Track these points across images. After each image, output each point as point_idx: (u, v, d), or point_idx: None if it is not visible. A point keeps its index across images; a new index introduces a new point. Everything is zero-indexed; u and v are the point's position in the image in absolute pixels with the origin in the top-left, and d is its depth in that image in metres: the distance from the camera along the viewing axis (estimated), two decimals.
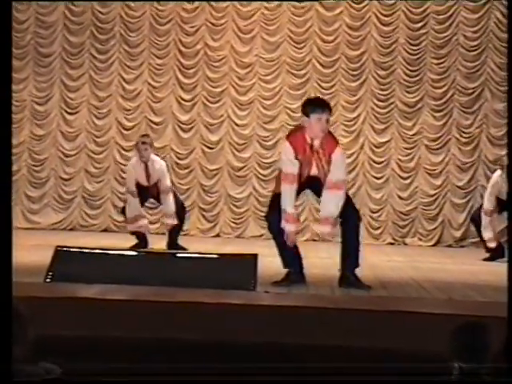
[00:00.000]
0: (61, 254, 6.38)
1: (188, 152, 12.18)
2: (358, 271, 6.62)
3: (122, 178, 11.96)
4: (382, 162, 12.01)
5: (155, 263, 6.43)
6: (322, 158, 6.46)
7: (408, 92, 11.96)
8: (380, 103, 12.01)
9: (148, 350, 4.78)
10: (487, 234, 9.46)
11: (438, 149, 11.93)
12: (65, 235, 9.55)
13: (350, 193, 12.00)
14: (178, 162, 12.15)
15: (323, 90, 12.03)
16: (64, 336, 4.76)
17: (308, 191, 7.14)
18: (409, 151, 11.99)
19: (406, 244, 11.84)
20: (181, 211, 9.49)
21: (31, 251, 8.60)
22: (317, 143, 6.44)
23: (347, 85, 12.01)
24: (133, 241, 9.33)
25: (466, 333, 3.28)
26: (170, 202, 9.31)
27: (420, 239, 11.89)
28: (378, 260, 9.32)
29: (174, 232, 9.37)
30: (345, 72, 12.04)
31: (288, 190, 6.45)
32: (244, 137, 12.13)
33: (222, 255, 6.86)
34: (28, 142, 12.27)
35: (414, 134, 11.98)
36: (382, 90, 11.99)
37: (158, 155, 9.95)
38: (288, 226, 6.45)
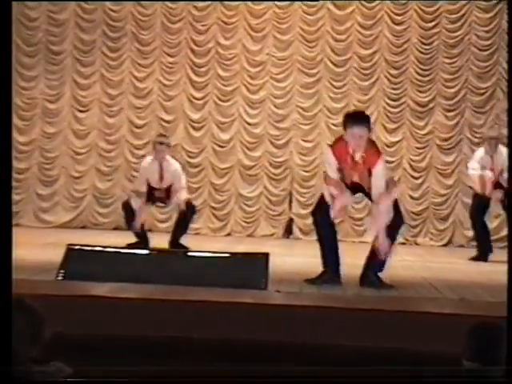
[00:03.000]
0: (72, 252, 6.38)
1: (199, 150, 12.18)
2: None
3: (133, 176, 11.97)
4: (394, 161, 11.98)
5: (167, 262, 6.42)
6: (363, 171, 6.47)
7: (420, 91, 11.92)
8: (392, 102, 11.98)
9: (159, 348, 4.78)
10: None
11: (449, 149, 11.90)
12: (76, 233, 9.56)
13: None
14: (189, 160, 12.14)
15: (335, 89, 12.01)
16: (75, 334, 4.75)
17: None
18: (420, 151, 11.96)
19: (417, 244, 11.81)
20: (190, 211, 9.43)
21: (42, 249, 8.61)
22: (358, 155, 6.44)
23: (359, 84, 11.98)
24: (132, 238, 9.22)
25: (480, 333, 3.26)
26: (183, 199, 9.22)
27: (431, 239, 11.86)
28: (390, 259, 9.29)
29: (178, 231, 9.26)
30: (356, 71, 12.01)
31: (330, 188, 6.53)
32: (255, 136, 12.12)
33: (233, 254, 6.85)
34: (39, 140, 12.28)
35: (425, 134, 11.95)
36: (394, 89, 11.96)
37: (174, 158, 9.84)
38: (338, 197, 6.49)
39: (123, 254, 6.65)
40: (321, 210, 6.58)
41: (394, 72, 11.95)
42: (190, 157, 12.15)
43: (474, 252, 9.78)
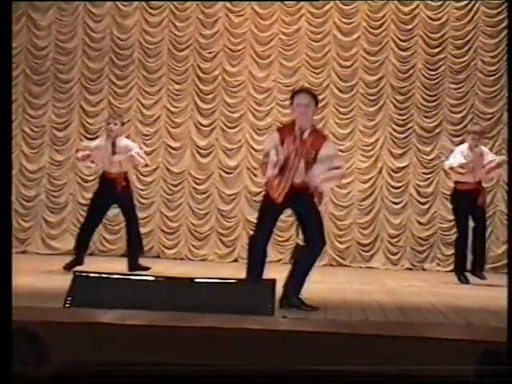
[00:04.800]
0: (79, 279, 6.39)
1: (206, 177, 12.22)
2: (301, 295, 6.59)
3: (141, 203, 12.02)
4: (401, 187, 12.00)
5: (173, 288, 6.43)
6: (310, 151, 6.45)
7: (426, 117, 11.97)
8: (398, 128, 12.02)
9: (166, 375, 4.78)
10: None
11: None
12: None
13: (368, 218, 12.04)
14: (196, 187, 12.18)
15: (341, 115, 12.06)
16: (82, 361, 4.76)
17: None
18: (427, 176, 11.98)
19: (424, 269, 11.80)
20: (137, 236, 9.48)
21: (50, 276, 8.63)
22: (306, 135, 6.47)
23: (365, 110, 12.03)
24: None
25: (490, 360, 3.25)
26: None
27: (438, 264, 11.85)
28: (397, 285, 9.30)
29: (134, 252, 9.33)
30: (363, 97, 12.06)
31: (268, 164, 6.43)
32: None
33: (239, 280, 6.86)
34: (47, 168, 12.34)
35: (432, 159, 11.97)
36: (400, 114, 12.00)
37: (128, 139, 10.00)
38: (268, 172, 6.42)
39: (130, 281, 6.67)
40: (258, 235, 6.61)
41: (399, 98, 12.00)
42: (196, 183, 12.19)
43: (486, 277, 9.76)
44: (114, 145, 9.32)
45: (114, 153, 9.28)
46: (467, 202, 9.64)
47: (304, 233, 6.67)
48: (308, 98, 6.48)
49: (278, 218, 6.69)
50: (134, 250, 9.37)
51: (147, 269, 9.00)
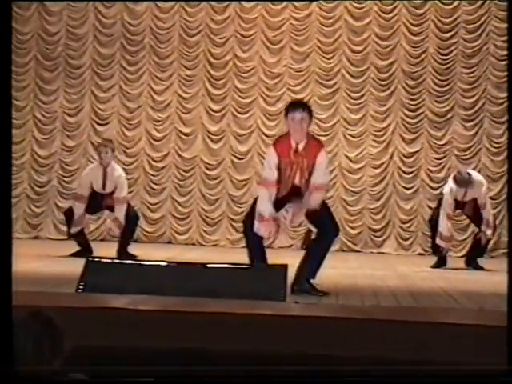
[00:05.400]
0: (92, 264, 6.41)
1: (217, 163, 12.22)
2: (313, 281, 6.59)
3: (153, 189, 12.04)
4: (412, 172, 11.98)
5: (185, 274, 6.44)
6: (305, 163, 6.45)
7: (438, 102, 11.93)
8: (410, 113, 11.98)
9: (178, 360, 4.80)
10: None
11: (468, 159, 11.88)
12: (95, 245, 9.61)
13: (380, 203, 12.02)
14: (207, 172, 12.19)
15: (352, 100, 12.03)
16: (95, 346, 4.78)
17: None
18: (439, 161, 11.95)
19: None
20: (133, 221, 9.50)
21: (62, 262, 8.67)
22: (301, 147, 6.45)
23: (376, 95, 12.00)
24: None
25: None
26: (122, 213, 9.30)
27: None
28: (409, 270, 9.29)
29: (124, 240, 9.36)
30: (374, 82, 12.03)
31: (265, 195, 6.42)
32: None
33: (251, 266, 6.86)
34: (59, 153, 12.37)
35: (444, 144, 11.94)
36: (412, 99, 11.96)
37: (117, 164, 9.99)
38: (262, 229, 6.42)
39: (142, 266, 6.68)
40: (249, 216, 6.59)
41: (411, 82, 11.96)
42: (208, 169, 12.20)
43: (498, 262, 9.76)
44: (105, 173, 9.33)
45: (104, 181, 9.31)
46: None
47: (314, 224, 6.65)
48: (303, 113, 6.42)
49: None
50: (127, 239, 9.40)
51: (135, 256, 9.03)
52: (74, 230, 9.36)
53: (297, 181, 6.49)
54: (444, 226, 9.45)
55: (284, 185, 6.49)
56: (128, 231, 9.41)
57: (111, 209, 9.45)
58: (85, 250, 9.28)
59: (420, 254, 11.77)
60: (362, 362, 4.73)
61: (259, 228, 6.42)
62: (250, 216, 6.58)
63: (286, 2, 12.13)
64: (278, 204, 6.50)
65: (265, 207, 6.40)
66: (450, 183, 9.51)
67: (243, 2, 12.20)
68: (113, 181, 9.31)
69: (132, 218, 9.50)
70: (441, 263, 9.63)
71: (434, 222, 9.74)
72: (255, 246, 6.59)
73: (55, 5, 12.37)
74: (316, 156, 6.46)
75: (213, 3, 12.23)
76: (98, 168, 9.36)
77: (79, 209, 9.30)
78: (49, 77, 12.34)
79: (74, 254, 9.15)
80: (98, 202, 9.36)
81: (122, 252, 9.26)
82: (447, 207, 9.45)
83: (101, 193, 9.33)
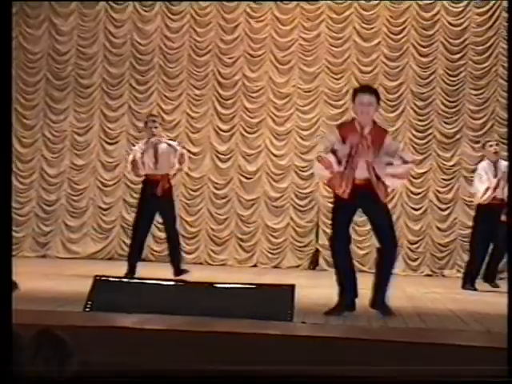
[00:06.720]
0: (99, 283, 6.41)
1: (226, 182, 12.24)
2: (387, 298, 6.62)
3: None
4: (420, 193, 11.98)
5: (193, 293, 6.44)
6: (371, 146, 6.37)
7: (446, 123, 11.94)
8: (418, 134, 11.99)
9: (185, 380, 4.79)
10: None
11: None
12: (103, 265, 9.63)
13: None
14: (216, 192, 12.21)
15: None
16: (102, 364, 4.78)
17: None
18: (447, 182, 11.95)
19: (444, 276, 11.76)
20: (176, 238, 9.41)
21: (70, 280, 8.67)
22: (366, 131, 6.41)
23: (385, 115, 12.02)
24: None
25: None
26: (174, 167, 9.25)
27: (458, 271, 11.79)
28: (416, 291, 9.27)
29: (175, 259, 9.28)
30: (383, 103, 12.02)
31: (325, 173, 6.35)
32: (281, 167, 12.17)
33: (259, 286, 6.86)
34: (68, 172, 12.41)
35: (452, 165, 11.94)
36: (421, 120, 11.98)
37: (172, 140, 9.89)
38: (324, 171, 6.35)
39: (150, 285, 6.68)
40: (337, 236, 6.54)
41: (420, 103, 11.98)
42: (216, 188, 12.22)
43: (506, 284, 9.72)
44: (156, 148, 9.24)
45: (156, 155, 9.22)
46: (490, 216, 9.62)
47: (376, 234, 6.65)
48: (371, 98, 6.39)
49: (351, 219, 6.56)
50: (175, 256, 9.32)
51: (187, 272, 9.00)
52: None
53: (368, 157, 6.33)
54: None
55: (348, 168, 6.33)
56: (176, 249, 9.32)
57: (156, 191, 9.23)
58: (130, 271, 9.08)
59: (428, 275, 11.74)
60: (368, 382, 4.72)
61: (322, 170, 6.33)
62: (334, 239, 6.52)
63: (295, 23, 12.17)
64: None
65: (325, 172, 6.35)
66: None
67: (252, 21, 12.25)
68: (165, 155, 9.19)
69: (176, 235, 9.42)
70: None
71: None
72: (346, 272, 6.55)
73: (65, 24, 12.45)
74: (382, 141, 6.39)
75: (222, 23, 12.29)
76: (148, 145, 9.24)
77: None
78: (58, 96, 12.40)
79: (127, 275, 8.85)
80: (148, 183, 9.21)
81: (178, 271, 9.10)
82: None
83: (152, 174, 9.19)
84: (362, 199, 6.40)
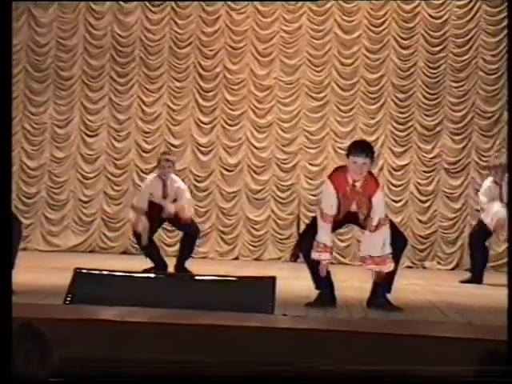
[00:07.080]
0: (80, 276, 6.40)
1: (207, 175, 12.22)
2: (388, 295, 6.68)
3: None
4: (401, 185, 12.00)
5: (174, 286, 6.44)
6: (362, 199, 6.54)
7: (427, 115, 11.96)
8: (399, 126, 12.01)
9: (167, 372, 4.78)
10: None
11: (457, 172, 11.91)
12: (84, 257, 9.59)
13: None
14: (197, 184, 12.18)
15: (342, 113, 12.06)
16: (83, 358, 4.76)
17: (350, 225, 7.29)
18: (428, 174, 11.98)
19: (424, 268, 11.80)
20: (195, 231, 9.23)
21: (51, 273, 8.64)
22: (358, 184, 6.51)
23: (366, 108, 12.03)
24: (147, 264, 9.11)
25: (491, 360, 3.24)
26: (188, 213, 8.97)
27: (439, 263, 11.86)
28: (397, 283, 9.26)
29: (184, 254, 9.11)
30: (363, 95, 12.06)
31: (325, 227, 6.58)
32: (262, 159, 12.16)
33: (240, 278, 6.86)
34: (48, 165, 12.35)
35: (433, 158, 11.97)
36: (401, 113, 12.00)
37: (178, 176, 9.59)
38: (323, 256, 6.57)
39: (130, 278, 6.66)
40: (306, 240, 6.65)
41: (401, 96, 11.99)
42: (197, 181, 12.19)
43: (487, 276, 9.77)
44: (165, 186, 8.99)
45: (165, 194, 8.97)
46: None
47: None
48: (365, 159, 6.47)
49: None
50: (186, 254, 9.16)
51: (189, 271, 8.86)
52: (143, 242, 8.90)
53: (353, 208, 6.63)
54: None
55: (341, 212, 6.61)
56: (189, 244, 9.14)
57: (173, 221, 9.12)
58: (158, 266, 8.87)
59: (409, 267, 11.76)
60: (349, 374, 4.73)
61: (321, 256, 6.58)
62: (304, 243, 6.69)
63: (276, 15, 12.16)
64: (334, 227, 6.69)
65: (326, 237, 6.57)
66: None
67: (233, 13, 12.22)
68: (173, 191, 8.95)
69: (195, 228, 9.24)
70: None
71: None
72: (318, 273, 6.68)
73: (45, 16, 12.37)
74: (372, 195, 6.56)
75: (203, 15, 12.25)
76: (157, 180, 8.99)
77: (145, 224, 8.84)
78: (38, 88, 12.33)
79: (146, 271, 8.43)
80: (160, 216, 8.96)
81: (180, 267, 8.91)
82: None
83: (162, 205, 8.94)
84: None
